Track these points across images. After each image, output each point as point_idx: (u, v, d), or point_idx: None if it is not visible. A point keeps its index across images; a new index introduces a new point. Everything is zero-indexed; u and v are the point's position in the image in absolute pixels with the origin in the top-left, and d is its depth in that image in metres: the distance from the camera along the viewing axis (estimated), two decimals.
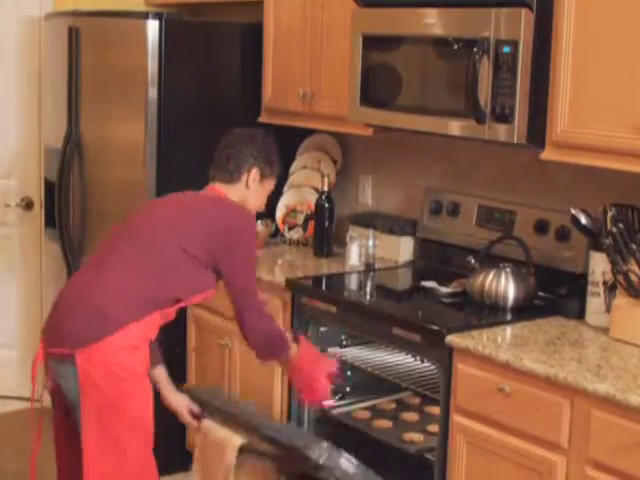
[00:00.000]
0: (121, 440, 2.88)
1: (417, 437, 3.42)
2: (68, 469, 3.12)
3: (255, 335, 3.09)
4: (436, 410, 3.55)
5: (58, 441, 3.11)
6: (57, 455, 3.14)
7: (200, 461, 3.19)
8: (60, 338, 2.87)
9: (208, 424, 3.13)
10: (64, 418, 3.04)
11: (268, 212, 4.41)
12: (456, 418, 3.08)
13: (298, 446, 2.87)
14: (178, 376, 4.19)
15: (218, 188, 3.15)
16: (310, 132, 4.51)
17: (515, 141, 3.20)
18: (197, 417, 3.18)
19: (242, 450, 2.99)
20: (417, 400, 3.73)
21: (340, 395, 3.85)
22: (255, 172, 3.17)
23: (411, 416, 3.62)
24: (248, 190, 3.16)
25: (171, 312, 3.01)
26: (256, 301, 3.09)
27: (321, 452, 2.85)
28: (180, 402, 3.16)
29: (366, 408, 3.68)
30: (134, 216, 3.15)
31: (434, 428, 3.40)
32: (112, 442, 2.87)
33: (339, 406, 3.75)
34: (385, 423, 3.55)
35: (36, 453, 3.07)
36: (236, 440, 3.00)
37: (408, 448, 3.38)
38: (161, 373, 3.20)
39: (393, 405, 3.72)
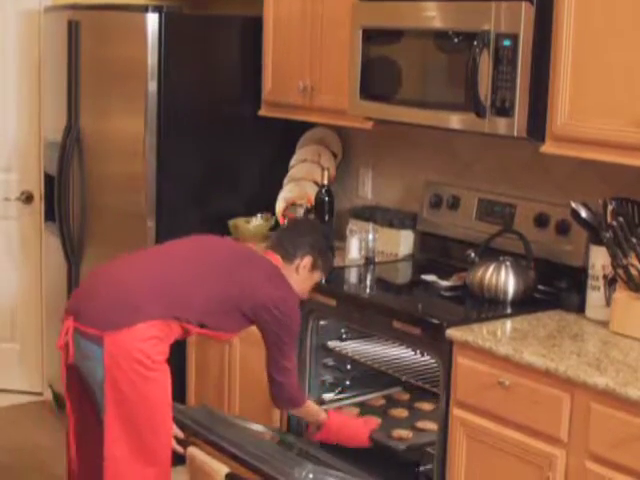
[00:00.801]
0: (142, 425, 2.94)
1: (405, 434, 3.40)
2: (77, 452, 3.15)
3: (274, 386, 3.23)
4: (425, 406, 3.58)
5: (73, 426, 3.15)
6: (70, 438, 3.18)
7: None
8: (91, 318, 2.94)
9: (194, 452, 3.14)
10: (78, 400, 3.09)
11: (268, 206, 4.43)
12: (456, 412, 3.08)
13: (283, 474, 2.91)
14: (178, 372, 4.21)
15: (277, 259, 3.22)
16: (310, 125, 4.50)
17: (515, 135, 3.20)
18: (182, 443, 3.19)
19: (228, 479, 3.01)
20: (406, 396, 3.72)
21: (340, 389, 3.85)
22: (308, 260, 3.23)
23: (400, 412, 3.59)
24: (297, 275, 3.23)
25: (193, 330, 3.07)
26: (282, 359, 3.19)
27: (306, 474, 2.89)
28: None
29: (355, 404, 3.67)
30: (197, 239, 3.26)
31: (424, 424, 3.42)
32: (133, 426, 2.93)
33: (330, 401, 3.76)
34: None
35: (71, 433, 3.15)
36: (222, 469, 3.02)
37: (397, 445, 3.35)
38: None
39: (382, 401, 3.70)
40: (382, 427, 3.43)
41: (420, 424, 3.46)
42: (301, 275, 3.23)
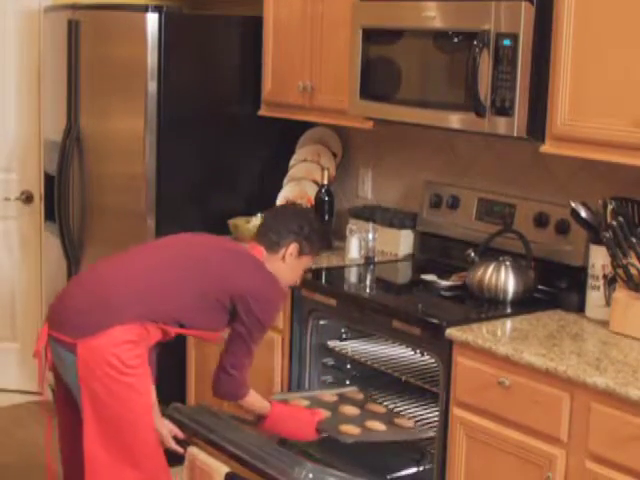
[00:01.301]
0: (123, 429, 2.92)
1: (354, 430, 3.31)
2: (70, 451, 3.15)
3: (224, 378, 3.16)
4: (378, 408, 3.51)
5: (60, 424, 3.16)
6: (60, 437, 3.19)
7: None
8: (65, 325, 2.93)
9: (194, 451, 3.13)
10: (64, 399, 3.09)
11: (268, 205, 4.43)
12: (456, 411, 3.08)
13: (283, 474, 2.90)
14: (178, 372, 4.22)
15: (261, 251, 3.16)
16: (310, 125, 4.50)
17: (515, 134, 3.20)
18: (182, 443, 3.18)
19: (228, 478, 3.01)
20: (360, 396, 3.63)
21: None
22: (294, 247, 3.16)
23: (350, 410, 3.48)
24: (284, 263, 3.16)
25: (172, 331, 3.03)
26: (243, 355, 3.12)
27: (306, 474, 2.89)
28: (165, 428, 3.11)
29: (305, 397, 3.55)
30: (176, 238, 3.23)
31: (372, 424, 3.34)
32: (112, 430, 2.91)
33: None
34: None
35: (49, 439, 3.15)
36: (222, 469, 3.02)
37: (344, 439, 3.28)
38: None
39: (334, 398, 3.58)
40: (330, 421, 3.34)
41: (369, 424, 3.36)
42: (288, 263, 3.17)
